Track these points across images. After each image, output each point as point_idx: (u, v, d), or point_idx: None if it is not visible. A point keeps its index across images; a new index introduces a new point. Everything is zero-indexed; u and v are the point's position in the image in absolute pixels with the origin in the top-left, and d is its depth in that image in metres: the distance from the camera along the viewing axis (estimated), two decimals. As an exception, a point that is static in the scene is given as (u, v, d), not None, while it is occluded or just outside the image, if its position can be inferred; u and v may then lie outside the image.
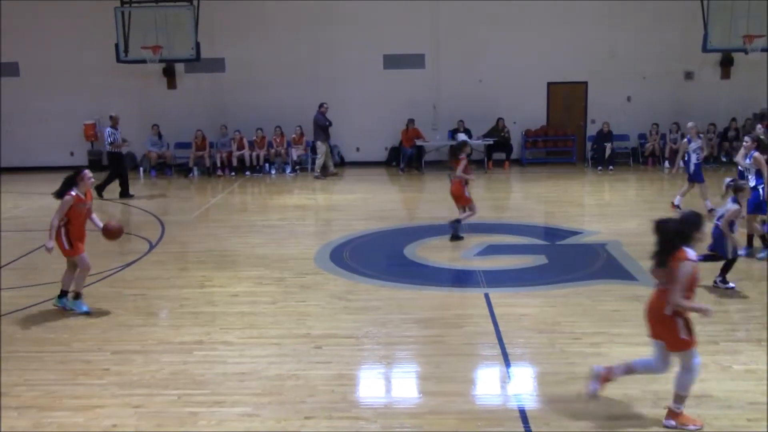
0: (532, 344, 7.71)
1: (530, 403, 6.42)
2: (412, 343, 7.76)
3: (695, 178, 13.61)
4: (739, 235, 9.92)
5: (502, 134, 19.78)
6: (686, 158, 13.79)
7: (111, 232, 8.98)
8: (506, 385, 6.86)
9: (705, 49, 18.07)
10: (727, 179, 9.67)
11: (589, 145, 20.23)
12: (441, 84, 20.22)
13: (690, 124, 13.40)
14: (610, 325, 8.12)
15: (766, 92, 20.20)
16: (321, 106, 18.97)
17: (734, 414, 6.07)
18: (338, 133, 20.13)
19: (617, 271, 10.24)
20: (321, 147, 18.96)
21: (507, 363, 7.25)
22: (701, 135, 12.67)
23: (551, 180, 17.96)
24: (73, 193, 8.48)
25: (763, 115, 20.25)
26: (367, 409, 6.31)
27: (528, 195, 16.75)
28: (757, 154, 10.61)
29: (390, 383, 7.00)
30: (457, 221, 12.05)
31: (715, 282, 9.37)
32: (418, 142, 19.55)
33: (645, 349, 7.36)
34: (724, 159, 19.68)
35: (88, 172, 8.71)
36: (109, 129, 16.76)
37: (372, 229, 13.06)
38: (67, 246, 8.60)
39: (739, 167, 11.12)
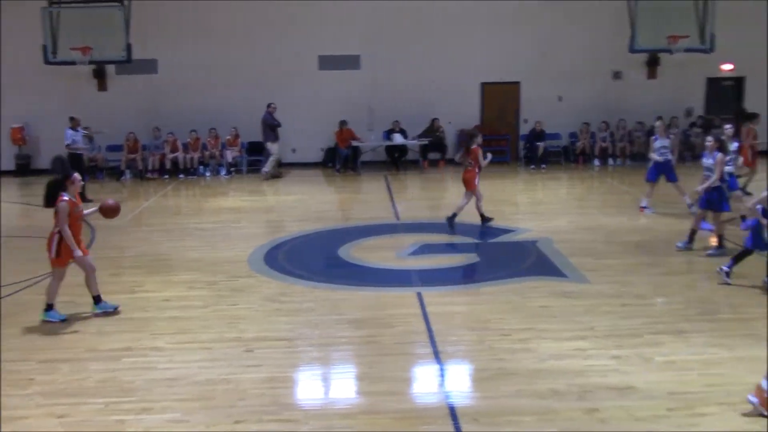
0: (462, 342, 7.82)
1: (460, 400, 6.51)
2: (344, 344, 7.79)
3: (668, 177, 13.30)
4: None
5: (437, 134, 19.98)
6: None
7: (109, 210, 8.85)
8: (437, 383, 6.94)
9: (632, 50, 18.57)
10: None
11: (522, 144, 20.59)
12: (376, 85, 20.31)
13: (657, 122, 13.07)
14: (538, 321, 8.29)
15: (692, 91, 20.96)
16: (269, 106, 18.93)
17: (655, 404, 6.26)
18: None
19: (547, 268, 10.45)
20: (272, 147, 18.93)
21: (438, 361, 7.34)
22: (672, 134, 12.51)
23: (485, 179, 17.98)
24: (66, 198, 8.32)
25: (689, 112, 20.96)
26: (298, 411, 6.32)
27: (462, 194, 16.88)
28: (720, 155, 10.83)
29: (322, 384, 7.02)
30: (453, 216, 12.51)
31: (721, 269, 9.47)
32: (354, 143, 19.59)
33: (571, 344, 7.61)
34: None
35: (77, 176, 8.61)
36: (68, 131, 16.37)
37: (307, 231, 13.04)
38: (54, 254, 8.39)
39: (704, 167, 11.22)
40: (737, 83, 21.31)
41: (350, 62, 20.28)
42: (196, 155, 19.78)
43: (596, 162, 19.80)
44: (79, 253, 8.38)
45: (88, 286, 8.70)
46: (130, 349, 7.66)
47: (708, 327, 8.02)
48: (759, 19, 20.00)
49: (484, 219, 12.96)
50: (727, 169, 11.90)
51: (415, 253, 11.32)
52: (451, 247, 11.57)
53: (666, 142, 13.47)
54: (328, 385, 7.02)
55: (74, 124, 16.50)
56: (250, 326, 8.27)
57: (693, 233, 11.18)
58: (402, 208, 14.99)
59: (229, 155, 19.78)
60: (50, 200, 8.37)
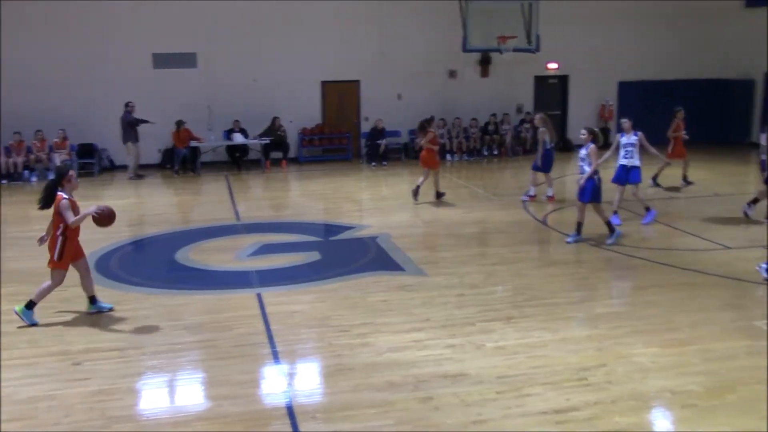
0: (301, 340, 7.82)
1: (298, 398, 6.50)
2: (180, 350, 7.57)
3: (632, 179, 12.91)
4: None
5: (278, 133, 19.84)
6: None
7: (103, 218, 8.52)
8: (276, 383, 6.89)
9: (465, 49, 19.23)
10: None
11: (363, 141, 20.85)
12: (215, 83, 19.89)
13: (623, 120, 13.21)
14: (376, 316, 8.43)
15: (521, 89, 22.03)
16: (127, 105, 18.22)
17: (485, 389, 6.54)
18: (107, 135, 19.18)
19: (386, 263, 10.65)
20: (132, 148, 18.16)
21: (277, 361, 7.30)
22: (638, 132, 12.80)
23: (328, 177, 18.31)
24: (66, 196, 8.20)
25: (520, 109, 22.02)
26: (129, 423, 6.06)
27: (305, 193, 16.95)
28: (593, 146, 11.25)
29: (155, 393, 6.77)
30: (417, 188, 14.75)
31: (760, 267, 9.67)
32: (193, 143, 19.09)
33: (408, 336, 7.79)
34: (485, 152, 21.11)
35: (74, 173, 8.49)
36: None
37: (143, 235, 12.57)
38: (57, 257, 8.22)
39: (579, 158, 11.59)
40: (562, 81, 22.63)
41: (186, 60, 19.73)
42: (21, 159, 18.55)
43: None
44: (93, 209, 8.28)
45: (84, 287, 8.60)
46: (-58, 370, 7.08)
47: (534, 312, 8.46)
48: (580, 20, 21.36)
49: (439, 194, 14.93)
50: (623, 161, 12.71)
51: (255, 253, 11.19)
52: (292, 247, 11.53)
53: (634, 139, 12.85)
54: (162, 393, 6.79)
55: None
56: (78, 338, 7.85)
57: (608, 224, 11.55)
58: (243, 208, 14.77)
59: (57, 159, 18.68)
60: (48, 201, 8.20)
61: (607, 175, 12.78)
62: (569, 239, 11.53)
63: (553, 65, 22.03)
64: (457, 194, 15.58)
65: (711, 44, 22.55)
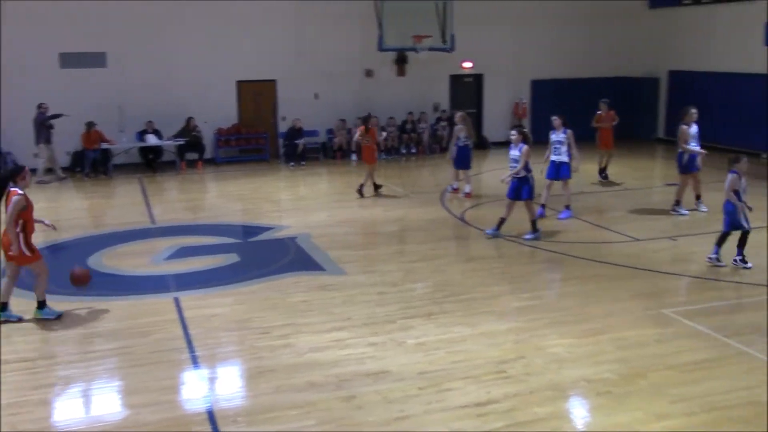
0: (221, 344, 7.71)
1: (219, 402, 6.41)
2: (95, 359, 7.34)
3: (562, 174, 13.18)
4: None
5: (193, 134, 19.45)
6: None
7: (80, 279, 8.73)
8: (196, 388, 6.77)
9: (381, 49, 19.29)
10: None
11: (281, 141, 20.67)
12: (126, 83, 19.32)
13: (553, 117, 13.28)
14: (297, 316, 8.38)
15: (437, 87, 22.27)
16: (40, 106, 17.50)
17: (406, 385, 6.59)
18: (12, 138, 18.40)
19: (306, 263, 10.59)
20: (44, 149, 17.45)
21: (196, 366, 7.17)
22: (567, 130, 12.95)
23: (245, 178, 18.08)
24: (20, 192, 8.06)
25: (436, 107, 22.26)
26: (41, 436, 5.86)
27: (222, 194, 16.69)
28: (525, 146, 11.37)
29: (69, 404, 6.54)
30: (361, 186, 15.06)
31: (734, 260, 9.91)
32: (104, 146, 18.51)
33: (329, 335, 7.78)
34: (403, 151, 21.24)
35: (27, 168, 8.42)
36: None
37: (54, 241, 12.12)
38: (27, 252, 8.15)
39: (510, 158, 11.69)
40: (477, 80, 22.99)
41: (95, 60, 19.10)
42: None
43: (353, 157, 20.40)
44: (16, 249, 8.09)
45: (38, 289, 8.39)
46: None
47: (454, 308, 8.58)
48: (493, 20, 21.73)
49: (377, 187, 15.33)
50: (553, 158, 12.99)
51: (171, 257, 10.95)
52: (210, 249, 11.33)
53: (563, 137, 13.05)
54: (77, 404, 6.57)
55: None
56: (-16, 350, 7.52)
57: (533, 222, 11.72)
58: (158, 211, 14.43)
59: (-40, 163, 17.86)
60: None
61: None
62: (489, 232, 11.73)
63: (467, 64, 22.34)
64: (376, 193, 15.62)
65: (618, 44, 23.35)
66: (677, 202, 13.19)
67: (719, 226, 10.20)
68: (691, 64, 21.65)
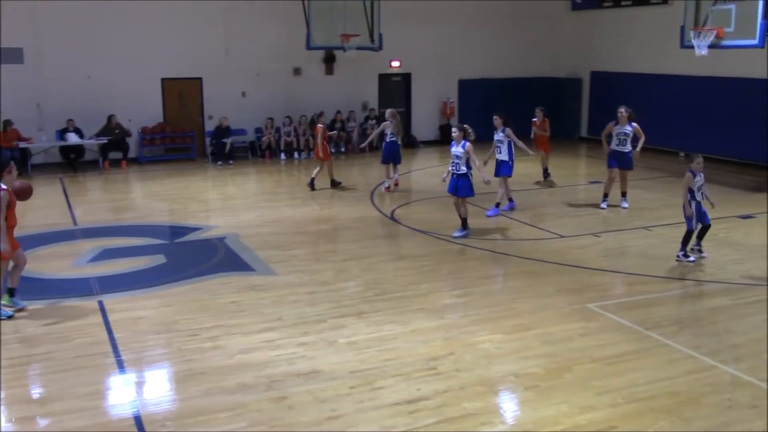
0: (148, 347, 7.54)
1: (147, 407, 6.27)
2: (13, 366, 7.06)
3: (500, 172, 13.26)
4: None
5: (117, 132, 18.97)
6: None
7: (23, 192, 8.60)
8: (123, 393, 6.60)
9: (309, 47, 19.21)
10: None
11: (208, 140, 20.36)
12: (45, 80, 18.70)
13: (495, 116, 13.43)
14: (227, 318, 8.27)
15: (366, 86, 22.31)
16: None
17: (338, 384, 6.58)
18: None
19: (235, 264, 10.47)
20: None
21: (122, 370, 7.00)
22: (505, 129, 13.04)
23: (172, 177, 17.74)
24: (4, 187, 8.00)
25: (365, 106, 22.29)
26: (-42, 448, 5.62)
27: (148, 194, 16.32)
28: (469, 143, 11.41)
29: (-12, 413, 6.31)
30: (312, 179, 15.53)
31: (692, 249, 10.21)
32: (21, 145, 17.87)
33: (260, 336, 7.70)
34: (332, 150, 21.16)
35: (13, 163, 8.40)
36: None
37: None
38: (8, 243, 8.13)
39: (452, 155, 11.67)
40: (405, 78, 23.13)
41: (11, 56, 18.39)
42: None
43: (282, 156, 20.26)
44: (6, 246, 8.06)
45: (12, 277, 8.46)
46: None
47: (384, 306, 8.61)
48: (421, 20, 21.91)
49: (335, 183, 15.77)
50: (497, 156, 13.24)
51: (95, 259, 10.66)
52: (136, 250, 11.07)
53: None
54: (-5, 412, 6.33)
55: None
56: None
57: (464, 220, 11.78)
58: (80, 212, 14.02)
59: None
60: None
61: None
62: (456, 234, 11.74)
63: (396, 63, 22.47)
64: (306, 192, 15.55)
65: (542, 44, 23.89)
66: (605, 195, 13.62)
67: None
68: (612, 65, 22.31)
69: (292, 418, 6.01)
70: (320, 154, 15.64)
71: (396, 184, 15.57)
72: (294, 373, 6.82)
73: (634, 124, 13.34)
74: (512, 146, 13.23)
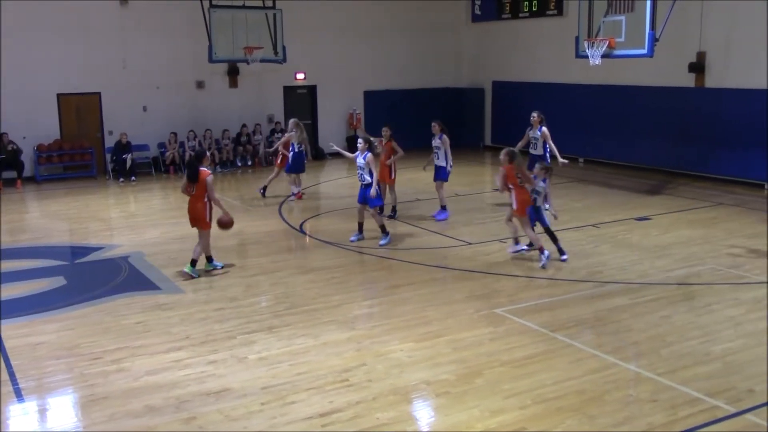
0: (48, 373, 7.22)
1: (47, 437, 6.01)
2: None
3: (439, 177, 13.67)
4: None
5: (9, 150, 18.16)
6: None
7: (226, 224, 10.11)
8: (19, 423, 6.30)
9: (211, 60, 18.95)
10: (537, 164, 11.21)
11: (108, 157, 19.74)
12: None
13: (433, 122, 13.63)
14: (132, 339, 8.02)
15: (272, 99, 22.15)
16: None
17: (249, 401, 6.48)
18: None
19: (140, 283, 10.17)
20: None
21: (20, 399, 6.68)
22: (442, 135, 13.33)
23: (70, 196, 17.10)
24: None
25: (271, 119, 22.12)
26: None
27: (45, 214, 15.66)
28: (370, 154, 11.58)
29: None
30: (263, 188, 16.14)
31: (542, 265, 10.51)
32: None
33: (167, 356, 7.51)
34: (239, 163, 20.93)
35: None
36: None
37: None
38: None
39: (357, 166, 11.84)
40: (311, 90, 23.09)
41: None
42: None
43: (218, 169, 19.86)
44: None
45: None
46: None
47: (295, 319, 8.55)
48: (324, 32, 21.95)
49: (265, 189, 16.19)
50: (435, 162, 13.63)
51: (-12, 283, 10.16)
52: (32, 273, 10.60)
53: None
54: None
55: None
56: None
57: (382, 227, 11.98)
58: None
59: None
60: None
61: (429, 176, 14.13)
62: (382, 242, 11.89)
63: (300, 75, 22.41)
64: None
65: (444, 56, 24.36)
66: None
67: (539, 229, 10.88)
68: (512, 74, 22.91)
69: (203, 438, 5.87)
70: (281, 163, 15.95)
71: (300, 197, 15.58)
72: (204, 393, 6.67)
73: (543, 128, 13.99)
74: (449, 152, 13.61)
